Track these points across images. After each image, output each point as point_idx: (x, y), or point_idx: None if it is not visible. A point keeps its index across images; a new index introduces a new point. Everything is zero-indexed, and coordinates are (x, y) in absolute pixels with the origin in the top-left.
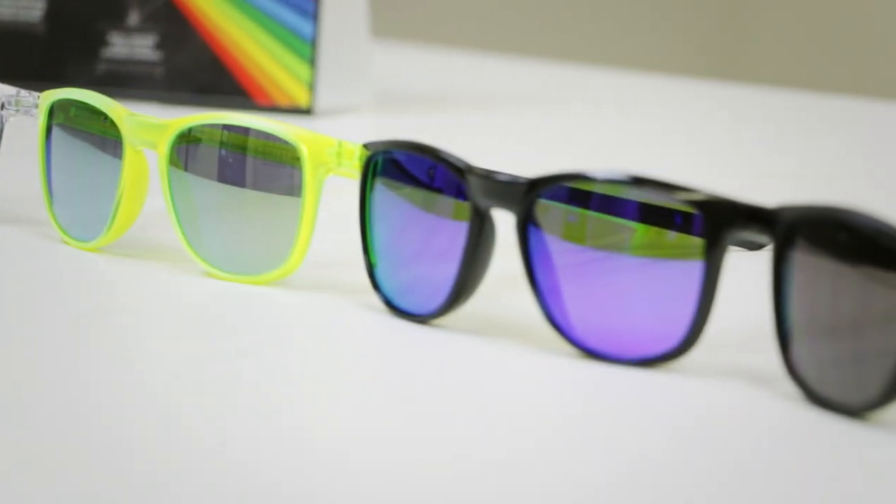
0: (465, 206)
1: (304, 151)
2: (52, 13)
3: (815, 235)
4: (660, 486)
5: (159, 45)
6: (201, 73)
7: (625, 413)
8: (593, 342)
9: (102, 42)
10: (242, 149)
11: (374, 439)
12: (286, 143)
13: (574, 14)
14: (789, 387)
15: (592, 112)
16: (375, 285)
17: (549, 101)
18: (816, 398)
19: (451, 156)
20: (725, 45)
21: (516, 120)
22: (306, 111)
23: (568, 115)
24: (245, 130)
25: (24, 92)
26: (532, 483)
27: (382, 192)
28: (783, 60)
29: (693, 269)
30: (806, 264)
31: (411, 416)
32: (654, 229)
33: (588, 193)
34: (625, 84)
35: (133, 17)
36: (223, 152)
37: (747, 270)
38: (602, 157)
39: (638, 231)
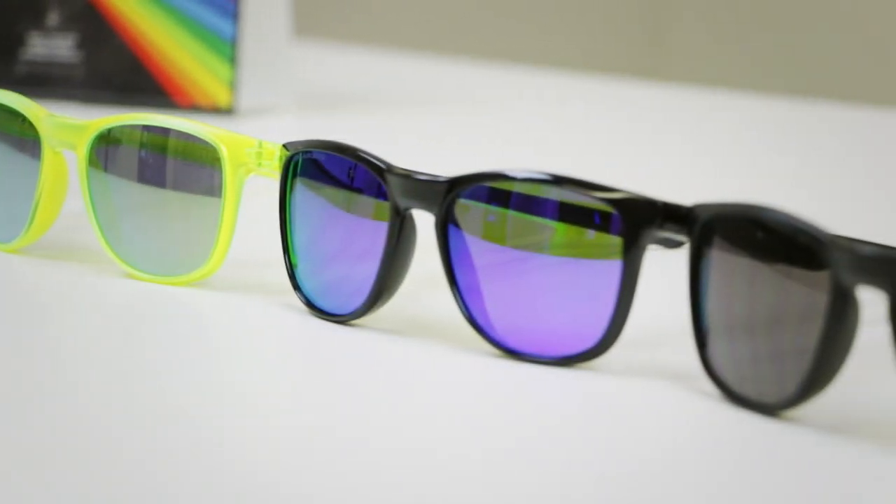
0: (385, 206)
1: (224, 152)
2: None
3: (730, 233)
4: (574, 485)
5: (79, 46)
6: (121, 73)
7: (542, 412)
8: (513, 341)
9: (21, 43)
10: (162, 149)
11: (293, 439)
12: (206, 143)
13: (500, 13)
14: (707, 385)
15: (516, 112)
16: (296, 286)
17: (472, 101)
18: (734, 396)
19: (370, 155)
20: (656, 45)
21: (439, 120)
22: (228, 111)
23: (491, 115)
24: (165, 131)
25: None
26: (446, 482)
27: (303, 193)
28: (712, 61)
29: (612, 268)
30: (722, 262)
31: (329, 417)
32: (574, 229)
33: (507, 193)
34: (550, 84)
35: (52, 18)
36: (143, 153)
37: (669, 268)
38: (524, 158)
39: (557, 230)
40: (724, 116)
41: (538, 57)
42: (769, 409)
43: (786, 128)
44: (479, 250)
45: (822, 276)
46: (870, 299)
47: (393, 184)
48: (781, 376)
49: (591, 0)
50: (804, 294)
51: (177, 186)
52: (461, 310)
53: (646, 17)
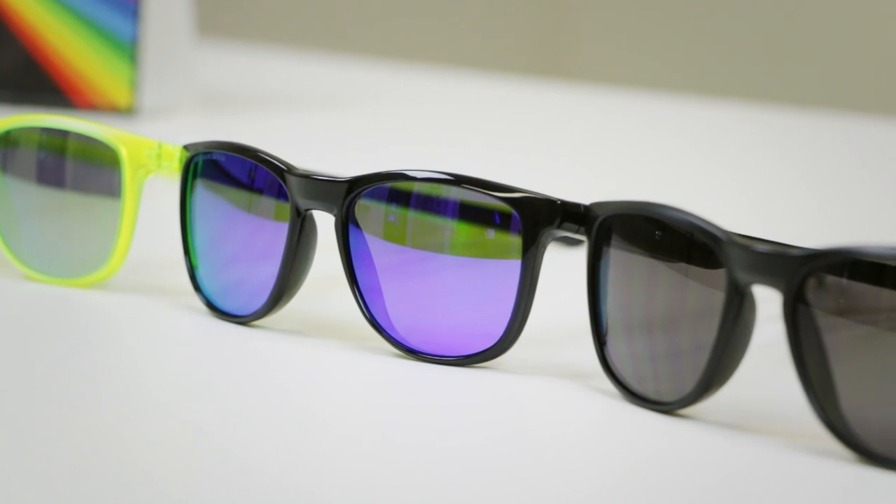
0: (285, 207)
1: (123, 153)
2: None
3: (628, 231)
4: (471, 484)
5: None
6: (19, 74)
7: (441, 412)
8: (413, 341)
9: None
10: (61, 151)
11: (192, 439)
12: (105, 145)
13: (404, 12)
14: (606, 384)
15: (418, 112)
16: (197, 287)
17: (374, 101)
18: (633, 395)
19: (270, 156)
20: (553, 44)
21: (340, 120)
22: (128, 112)
23: (393, 115)
24: (63, 133)
25: None
26: (346, 481)
27: (203, 194)
28: (614, 60)
29: (511, 268)
30: (620, 260)
31: (230, 417)
32: (473, 228)
33: (407, 193)
34: (452, 83)
35: None
36: (42, 155)
37: (569, 267)
38: (425, 158)
39: (457, 230)
40: (624, 116)
41: (441, 56)
42: (667, 407)
43: (688, 127)
44: (379, 250)
45: (719, 274)
46: (765, 297)
47: (293, 185)
48: (679, 374)
49: (494, 2)
50: (701, 292)
51: (76, 188)
52: (362, 310)
53: (547, 16)
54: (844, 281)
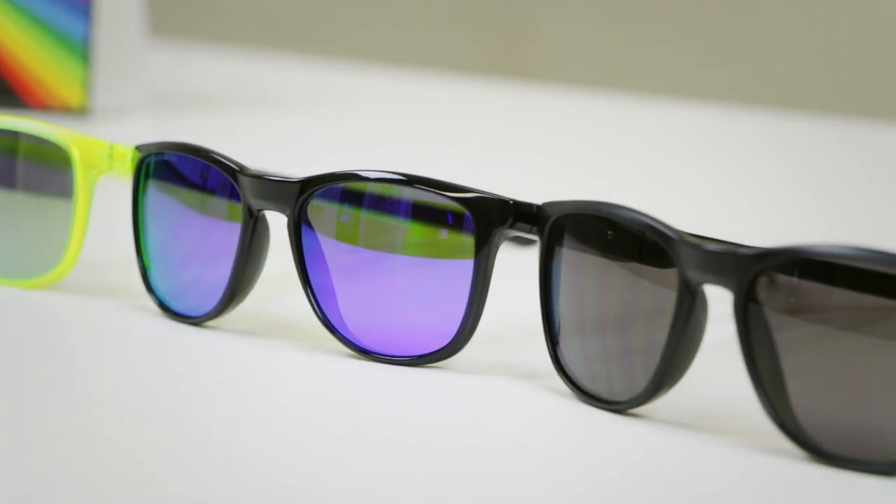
0: (237, 208)
1: (75, 154)
2: None
3: (580, 230)
4: (422, 487)
5: None
6: None
7: (393, 412)
8: (366, 341)
9: None
10: (12, 152)
11: (142, 440)
12: (56, 145)
13: (360, 12)
14: (559, 383)
15: (373, 112)
16: (149, 288)
17: (329, 101)
18: (585, 394)
19: (223, 157)
20: (514, 44)
21: (294, 120)
22: (81, 112)
23: (348, 116)
24: (14, 133)
25: None
26: (297, 481)
27: (155, 195)
28: (574, 60)
29: (464, 268)
30: (572, 260)
31: (182, 419)
32: (426, 229)
33: (360, 193)
34: (409, 83)
35: None
36: None
37: (522, 266)
38: (380, 158)
39: (410, 231)
40: (582, 116)
41: (399, 56)
42: (620, 406)
43: (646, 128)
44: (332, 251)
45: (670, 274)
46: (717, 296)
47: (245, 185)
48: (631, 374)
49: (452, 3)
50: (653, 291)
51: (28, 189)
52: (315, 310)
53: (508, 16)
54: (795, 280)
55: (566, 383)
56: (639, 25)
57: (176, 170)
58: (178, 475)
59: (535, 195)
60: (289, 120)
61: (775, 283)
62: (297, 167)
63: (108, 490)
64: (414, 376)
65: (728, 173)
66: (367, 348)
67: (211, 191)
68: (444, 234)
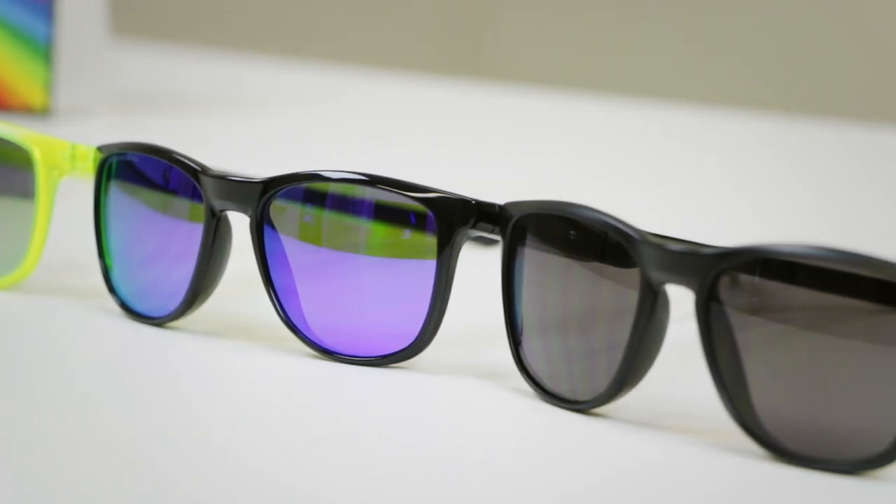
0: (199, 208)
1: (37, 154)
2: None
3: (542, 230)
4: (384, 489)
5: None
6: None
7: (355, 412)
8: (329, 342)
9: None
10: None
11: (103, 441)
12: (18, 146)
13: (321, 12)
14: (522, 383)
15: (335, 112)
16: (111, 289)
17: (291, 102)
18: (548, 394)
19: (185, 157)
20: (478, 44)
21: (257, 120)
22: (43, 112)
23: (311, 116)
24: None
25: None
26: (255, 481)
27: (117, 195)
28: (535, 60)
29: (426, 268)
30: (535, 259)
31: (139, 419)
32: (389, 229)
33: (323, 194)
34: (371, 83)
35: None
36: None
37: (485, 266)
38: (342, 159)
39: (373, 231)
40: (546, 115)
41: (360, 56)
42: (582, 406)
43: (607, 128)
44: (295, 251)
45: (632, 274)
46: (679, 296)
47: (207, 185)
48: (593, 373)
49: (410, 3)
50: (615, 291)
51: None
52: (277, 311)
53: (467, 16)
54: (756, 279)
55: (529, 383)
56: (605, 25)
57: (138, 170)
58: (134, 474)
59: (498, 195)
60: (251, 120)
61: (737, 282)
62: (261, 167)
63: (70, 492)
64: (377, 376)
65: (682, 172)
66: (330, 349)
67: (173, 191)
68: (406, 235)
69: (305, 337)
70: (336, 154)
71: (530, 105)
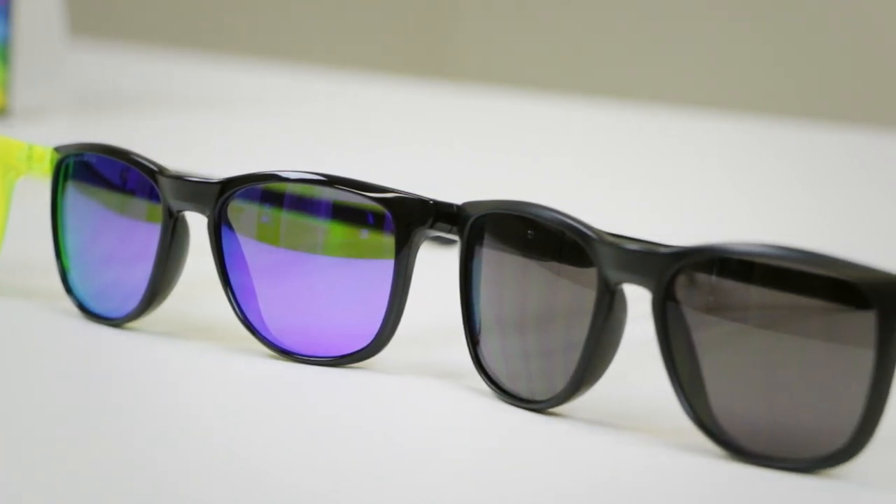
0: (157, 209)
1: None
2: None
3: (499, 230)
4: (342, 489)
5: None
6: None
7: (314, 412)
8: (287, 342)
9: None
10: None
11: (60, 441)
12: None
13: (282, 12)
14: (480, 383)
15: (295, 112)
16: (69, 289)
17: (250, 102)
18: (506, 394)
19: (142, 158)
20: (438, 43)
21: (216, 121)
22: (0, 113)
23: (270, 116)
24: None
25: None
26: (214, 481)
27: (74, 196)
28: (495, 60)
29: (384, 268)
30: (492, 259)
31: (98, 421)
32: (347, 229)
33: (280, 194)
34: (331, 83)
35: None
36: None
37: (444, 266)
38: (301, 159)
39: (331, 231)
40: (506, 117)
41: (322, 57)
42: (539, 405)
43: (569, 128)
44: (252, 252)
45: (590, 273)
46: (636, 296)
47: (165, 186)
48: (551, 373)
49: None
50: (572, 291)
51: None
52: (235, 311)
53: (428, 15)
54: (713, 278)
55: (487, 383)
56: (571, 25)
57: (95, 171)
58: (90, 476)
59: (458, 195)
60: (211, 120)
61: (693, 281)
62: (220, 168)
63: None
64: (335, 377)
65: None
66: (288, 349)
67: (130, 192)
68: (364, 235)
69: (263, 337)
70: (299, 155)
71: (494, 105)
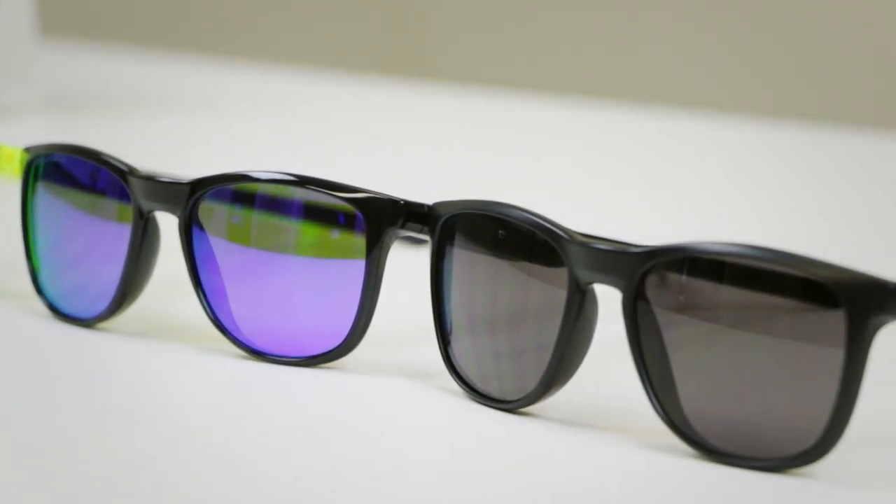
0: (128, 209)
1: None
2: None
3: (470, 230)
4: (317, 489)
5: None
6: None
7: (286, 413)
8: (259, 342)
9: None
10: None
11: (25, 442)
12: None
13: (257, 11)
14: (451, 383)
15: (267, 113)
16: (39, 290)
17: (223, 102)
18: (477, 394)
19: (112, 158)
20: (414, 43)
21: (187, 121)
22: None
23: (242, 117)
24: None
25: None
26: (185, 483)
27: (45, 196)
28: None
29: (356, 268)
30: (463, 259)
31: (68, 421)
32: (318, 229)
33: (251, 194)
34: (305, 84)
35: None
36: None
37: (418, 266)
38: (273, 160)
39: (302, 231)
40: (482, 116)
41: (298, 57)
42: (510, 405)
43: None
44: (223, 252)
45: (560, 273)
46: (607, 295)
47: (135, 187)
48: (521, 373)
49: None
50: (543, 291)
51: None
52: (206, 312)
53: (404, 14)
54: (683, 278)
55: (458, 383)
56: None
57: (65, 171)
58: (62, 477)
59: (430, 195)
60: (184, 121)
61: (664, 281)
62: (192, 168)
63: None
64: (306, 377)
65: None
66: (260, 349)
67: (101, 192)
68: (335, 235)
69: (234, 338)
70: (268, 154)
71: (468, 105)
